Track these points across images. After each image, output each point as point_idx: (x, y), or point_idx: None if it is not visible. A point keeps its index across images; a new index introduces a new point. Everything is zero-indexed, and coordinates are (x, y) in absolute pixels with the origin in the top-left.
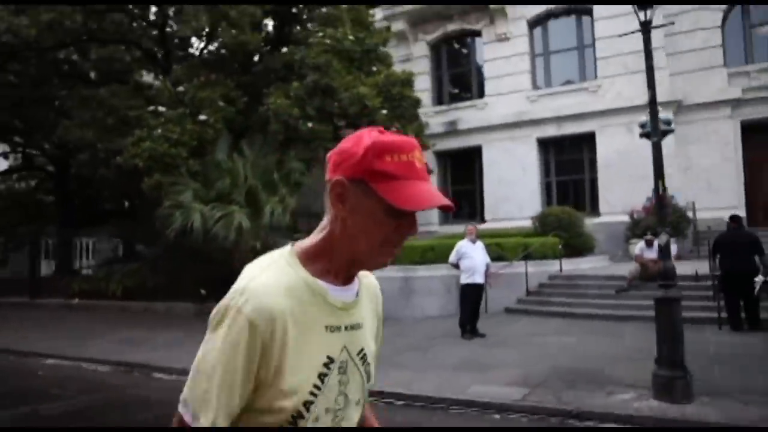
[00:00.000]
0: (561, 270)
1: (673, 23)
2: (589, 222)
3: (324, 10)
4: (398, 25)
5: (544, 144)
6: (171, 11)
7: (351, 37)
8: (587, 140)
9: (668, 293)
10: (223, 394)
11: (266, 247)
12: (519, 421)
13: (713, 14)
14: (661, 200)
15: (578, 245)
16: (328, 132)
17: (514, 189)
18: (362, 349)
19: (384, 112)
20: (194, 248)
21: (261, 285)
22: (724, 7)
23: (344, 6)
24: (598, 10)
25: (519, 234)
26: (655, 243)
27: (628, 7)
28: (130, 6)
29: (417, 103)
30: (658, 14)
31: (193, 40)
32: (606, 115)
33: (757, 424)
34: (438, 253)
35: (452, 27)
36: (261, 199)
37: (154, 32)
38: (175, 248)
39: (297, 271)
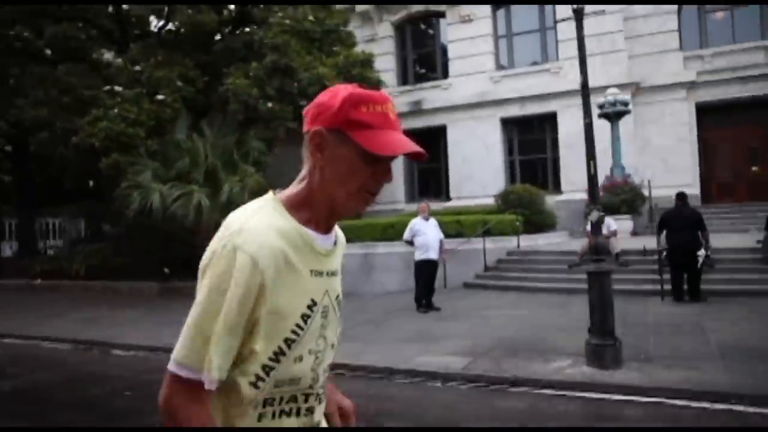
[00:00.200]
0: (519, 246)
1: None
2: (551, 200)
3: None
4: (363, 6)
5: (507, 123)
6: None
7: (310, 18)
8: (549, 120)
9: (599, 267)
10: (228, 336)
11: None
12: (458, 389)
13: None
14: (591, 180)
15: (539, 222)
16: (288, 112)
17: (478, 168)
18: (338, 295)
19: None
20: (156, 228)
21: (257, 225)
22: None
23: None
24: None
25: (481, 212)
26: (607, 220)
27: None
28: None
29: (378, 83)
30: None
31: (152, 18)
32: (567, 96)
33: (679, 386)
34: (398, 230)
35: (417, 8)
36: (220, 178)
37: (110, 10)
38: (138, 228)
39: (286, 218)
